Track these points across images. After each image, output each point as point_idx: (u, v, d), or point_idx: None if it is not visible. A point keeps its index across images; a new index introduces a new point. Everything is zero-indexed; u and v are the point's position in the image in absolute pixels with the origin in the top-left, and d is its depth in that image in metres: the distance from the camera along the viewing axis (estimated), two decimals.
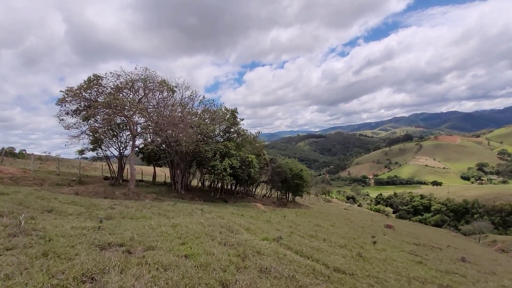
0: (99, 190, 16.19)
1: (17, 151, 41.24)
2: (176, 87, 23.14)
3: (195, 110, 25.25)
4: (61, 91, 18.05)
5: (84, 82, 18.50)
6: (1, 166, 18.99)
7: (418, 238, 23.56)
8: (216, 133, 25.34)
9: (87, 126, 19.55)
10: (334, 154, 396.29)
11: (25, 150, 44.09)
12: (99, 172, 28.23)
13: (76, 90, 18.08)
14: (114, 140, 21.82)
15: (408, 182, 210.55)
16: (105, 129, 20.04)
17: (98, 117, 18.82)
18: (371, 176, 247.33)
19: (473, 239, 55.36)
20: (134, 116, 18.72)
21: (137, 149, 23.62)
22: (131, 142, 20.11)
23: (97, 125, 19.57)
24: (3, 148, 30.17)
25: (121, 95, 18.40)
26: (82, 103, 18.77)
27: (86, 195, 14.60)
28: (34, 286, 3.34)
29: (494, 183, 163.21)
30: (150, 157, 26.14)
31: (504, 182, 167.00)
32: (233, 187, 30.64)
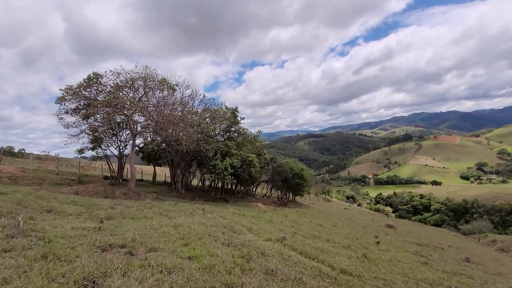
0: (99, 189, 16.03)
1: (16, 150, 41.10)
2: (176, 85, 22.98)
3: (195, 109, 25.08)
4: (60, 89, 17.88)
5: (84, 81, 18.29)
6: (0, 166, 18.80)
7: (419, 238, 23.46)
8: (217, 132, 25.19)
9: (86, 125, 19.38)
10: (333, 154, 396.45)
11: (24, 149, 43.97)
12: (99, 172, 28.07)
13: (75, 88, 17.88)
14: (114, 139, 21.65)
15: (408, 182, 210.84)
16: (105, 128, 19.86)
17: (98, 115, 18.63)
18: (370, 176, 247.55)
19: (473, 239, 55.39)
20: (134, 115, 18.55)
21: (137, 148, 23.44)
22: (131, 141, 19.95)
23: (96, 124, 19.39)
24: (2, 147, 29.97)
25: (121, 93, 18.23)
26: (81, 101, 18.57)
27: (86, 194, 14.44)
28: None
29: (493, 183, 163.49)
30: (150, 156, 25.97)
31: (503, 181, 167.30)
32: (234, 187, 30.51)
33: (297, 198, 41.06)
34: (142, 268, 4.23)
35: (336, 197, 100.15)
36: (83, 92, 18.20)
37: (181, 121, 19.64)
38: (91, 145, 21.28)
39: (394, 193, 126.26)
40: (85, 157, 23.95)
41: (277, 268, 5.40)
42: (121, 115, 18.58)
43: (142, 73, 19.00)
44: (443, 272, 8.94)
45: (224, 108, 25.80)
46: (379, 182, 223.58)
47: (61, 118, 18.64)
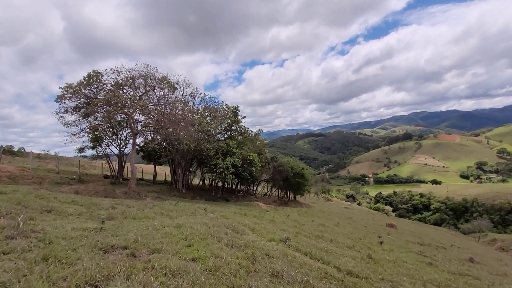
0: (100, 189, 15.89)
1: (15, 149, 40.93)
2: (177, 83, 22.83)
3: (196, 108, 24.95)
4: (60, 87, 17.73)
5: (83, 79, 18.12)
6: (0, 165, 18.66)
7: (420, 237, 23.39)
8: (218, 131, 25.05)
9: (86, 124, 19.25)
10: (333, 153, 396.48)
11: (23, 148, 43.82)
12: (99, 171, 27.91)
13: (75, 86, 17.72)
14: (114, 138, 21.50)
15: (408, 181, 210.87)
16: (105, 126, 19.72)
17: (98, 114, 18.50)
18: (370, 175, 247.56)
19: (473, 238, 55.37)
20: (134, 114, 18.40)
21: (137, 147, 23.30)
22: (131, 140, 19.81)
23: (97, 123, 19.25)
24: (1, 146, 29.78)
25: (121, 92, 18.07)
26: (81, 100, 18.41)
27: (86, 194, 14.30)
28: None
29: (493, 182, 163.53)
30: (150, 155, 25.83)
31: (503, 180, 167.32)
32: (234, 186, 30.40)
33: (298, 197, 40.96)
34: (145, 271, 4.10)
35: (336, 196, 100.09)
36: (83, 91, 18.04)
37: (182, 120, 19.50)
38: (91, 144, 21.13)
39: (394, 192, 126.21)
40: (85, 156, 23.82)
41: (283, 270, 5.27)
42: (121, 113, 18.44)
43: (143, 71, 18.85)
44: (449, 273, 8.83)
45: (224, 107, 25.67)
46: (379, 181, 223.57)
47: (61, 117, 18.52)
